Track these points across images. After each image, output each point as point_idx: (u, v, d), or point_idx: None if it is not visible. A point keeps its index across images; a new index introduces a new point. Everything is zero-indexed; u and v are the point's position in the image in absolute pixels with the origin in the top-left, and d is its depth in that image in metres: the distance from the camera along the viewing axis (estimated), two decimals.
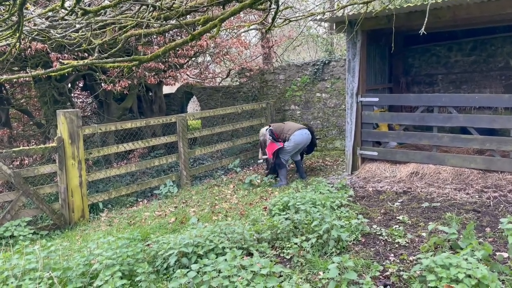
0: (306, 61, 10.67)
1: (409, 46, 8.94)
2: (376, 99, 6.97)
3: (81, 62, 3.34)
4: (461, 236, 4.05)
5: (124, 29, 3.77)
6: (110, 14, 3.80)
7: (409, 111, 7.89)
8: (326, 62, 9.97)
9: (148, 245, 4.68)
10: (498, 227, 4.33)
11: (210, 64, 11.84)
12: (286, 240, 4.49)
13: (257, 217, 5.31)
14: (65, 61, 3.52)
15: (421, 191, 5.88)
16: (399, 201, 5.59)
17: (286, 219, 4.73)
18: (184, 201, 6.94)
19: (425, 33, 4.27)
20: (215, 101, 11.99)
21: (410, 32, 8.01)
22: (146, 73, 8.07)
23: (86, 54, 7.08)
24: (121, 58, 3.24)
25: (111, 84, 7.48)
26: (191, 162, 9.68)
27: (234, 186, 7.66)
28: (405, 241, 4.32)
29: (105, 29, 4.08)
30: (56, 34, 3.73)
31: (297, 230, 4.59)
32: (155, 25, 3.71)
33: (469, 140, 6.16)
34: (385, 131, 7.55)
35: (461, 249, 3.88)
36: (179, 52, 8.11)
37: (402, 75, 8.86)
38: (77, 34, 3.94)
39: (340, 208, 5.33)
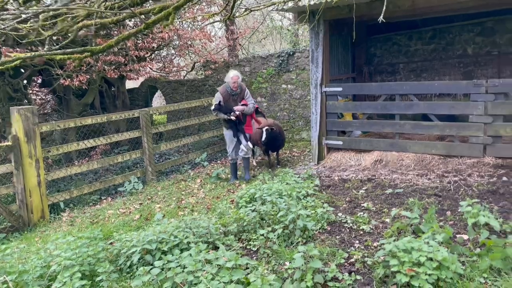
0: (271, 52, 10.64)
1: (371, 36, 9.06)
2: (340, 89, 7.02)
3: (28, 54, 3.15)
4: (423, 220, 4.13)
5: (76, 20, 3.59)
6: (59, 2, 3.62)
7: (372, 100, 7.99)
8: (291, 53, 9.96)
9: (111, 243, 4.52)
10: (458, 210, 4.45)
11: (174, 58, 11.60)
12: (253, 232, 4.45)
13: (223, 210, 5.25)
14: (12, 54, 3.32)
15: (385, 178, 5.97)
16: (363, 188, 5.66)
17: (253, 211, 4.70)
18: (149, 197, 6.78)
19: (384, 21, 4.30)
20: (180, 94, 11.79)
21: (371, 21, 8.09)
22: (106, 67, 7.80)
23: (40, 48, 6.76)
24: (71, 50, 3.08)
25: (69, 79, 7.18)
26: (157, 158, 9.50)
27: (201, 181, 7.56)
28: (370, 228, 4.37)
29: (56, 20, 3.89)
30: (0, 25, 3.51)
31: (264, 221, 4.57)
32: (108, 14, 3.56)
33: (430, 127, 6.31)
34: (349, 120, 7.64)
35: (423, 233, 3.96)
36: (140, 44, 7.88)
37: (365, 65, 8.98)
38: (25, 25, 3.73)
39: (306, 198, 5.34)
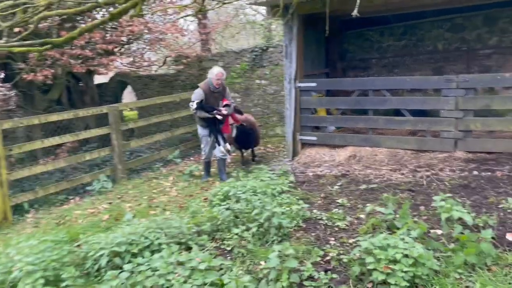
0: (245, 47, 10.51)
1: (344, 32, 9.06)
2: (314, 84, 6.97)
3: None
4: (397, 216, 4.12)
5: (35, 10, 3.36)
6: None
7: (345, 96, 7.98)
8: (265, 48, 9.86)
9: (78, 246, 4.31)
10: (432, 205, 4.46)
11: (145, 52, 11.30)
12: (227, 231, 4.34)
13: (197, 209, 5.11)
14: None
15: (359, 173, 5.97)
16: (338, 184, 5.64)
17: (227, 209, 4.58)
18: (119, 196, 6.56)
19: (358, 15, 4.26)
20: (152, 90, 11.51)
21: (345, 17, 8.07)
22: (72, 61, 7.48)
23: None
24: (30, 42, 2.87)
25: (32, 73, 6.84)
26: (128, 155, 9.23)
27: (173, 178, 7.38)
28: (345, 224, 4.34)
29: (15, 11, 3.64)
30: None
31: (238, 220, 4.46)
32: (71, 4, 3.35)
33: (403, 122, 6.35)
34: (323, 116, 7.61)
35: (398, 228, 3.95)
36: (108, 38, 7.59)
37: (338, 60, 8.98)
38: None
39: (281, 195, 5.26)
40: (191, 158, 9.05)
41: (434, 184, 5.17)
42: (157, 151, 9.18)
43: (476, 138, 5.95)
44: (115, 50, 9.56)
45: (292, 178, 5.91)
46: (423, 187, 5.15)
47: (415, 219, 4.27)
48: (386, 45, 8.75)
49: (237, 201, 4.92)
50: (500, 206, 4.28)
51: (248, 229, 4.21)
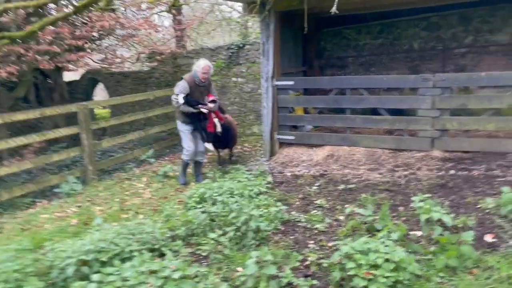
0: (221, 44, 10.30)
1: (322, 29, 8.99)
2: (291, 83, 6.86)
3: None
4: (377, 217, 4.05)
5: None
6: None
7: (323, 94, 7.91)
8: (241, 45, 9.69)
9: (44, 254, 4.06)
10: (410, 206, 4.42)
11: (118, 48, 10.94)
12: (203, 235, 4.18)
13: (171, 212, 4.93)
14: None
15: (337, 173, 5.90)
16: (316, 184, 5.55)
17: (203, 212, 4.42)
18: (89, 199, 6.27)
19: (337, 12, 4.16)
20: (125, 87, 11.17)
21: (322, 14, 8.00)
22: (38, 57, 7.11)
23: None
24: None
25: None
26: (99, 155, 8.91)
27: (147, 179, 7.13)
28: (324, 226, 4.24)
29: None
30: None
31: (214, 223, 4.30)
32: None
33: (380, 121, 6.31)
34: (301, 114, 7.52)
35: (378, 230, 3.89)
36: (77, 33, 7.26)
37: (316, 58, 8.90)
38: None
39: (258, 196, 5.14)
40: (166, 158, 8.80)
41: (412, 183, 5.14)
42: (130, 151, 8.88)
43: (453, 137, 5.96)
44: (86, 46, 9.22)
45: (269, 178, 5.78)
46: (401, 187, 5.11)
47: (395, 220, 4.22)
48: (363, 43, 8.72)
49: (214, 204, 4.77)
50: (478, 206, 4.27)
51: (225, 233, 4.07)
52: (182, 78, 5.98)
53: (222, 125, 6.65)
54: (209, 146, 6.27)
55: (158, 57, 9.80)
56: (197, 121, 6.05)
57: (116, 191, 6.60)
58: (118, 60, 11.52)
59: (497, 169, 5.21)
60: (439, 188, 4.91)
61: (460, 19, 7.70)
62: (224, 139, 6.88)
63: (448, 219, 3.70)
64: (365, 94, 6.36)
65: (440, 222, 3.78)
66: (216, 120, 6.34)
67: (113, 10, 9.70)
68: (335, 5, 3.91)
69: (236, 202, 4.50)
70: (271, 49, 6.78)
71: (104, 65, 11.15)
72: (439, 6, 7.28)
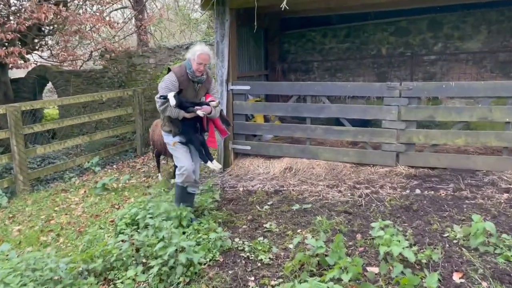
0: (179, 43, 9.60)
1: (285, 31, 8.42)
2: (248, 87, 6.23)
3: None
4: (329, 249, 3.45)
5: None
6: None
7: (286, 101, 7.34)
8: None
9: None
10: (370, 232, 3.86)
11: (70, 45, 10.07)
12: (124, 269, 3.48)
13: (95, 236, 4.21)
14: None
15: (293, 189, 5.30)
16: (268, 203, 4.92)
17: (125, 241, 3.71)
18: (12, 215, 5.47)
19: (287, 7, 3.55)
20: (75, 87, 10.29)
21: (286, 15, 7.44)
22: None
23: None
24: None
25: None
26: (39, 161, 8.04)
27: (85, 192, 6.37)
28: (269, 258, 3.62)
29: None
30: None
31: (140, 254, 3.61)
32: None
33: (342, 132, 5.77)
34: (258, 123, 6.91)
35: (329, 266, 3.30)
36: (7, 26, 6.41)
37: (278, 62, 8.32)
38: None
39: (201, 217, 4.47)
40: (114, 166, 8.03)
41: (374, 205, 4.58)
42: (75, 157, 8.04)
43: (419, 152, 5.47)
44: (35, 41, 8.35)
45: (217, 195, 5.10)
46: (361, 208, 4.55)
47: (351, 250, 3.64)
48: (328, 47, 8.21)
49: (146, 227, 4.09)
50: (445, 235, 3.74)
51: (149, 268, 3.39)
52: (169, 70, 4.19)
53: None
54: (216, 165, 4.35)
55: (107, 55, 8.99)
56: (192, 131, 4.26)
57: (45, 205, 5.82)
58: (69, 57, 10.64)
59: (466, 189, 4.73)
60: (402, 211, 4.37)
61: (430, 24, 7.29)
62: None
63: (410, 255, 3.14)
64: (326, 102, 5.80)
65: (401, 256, 3.23)
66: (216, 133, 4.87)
67: (65, 4, 8.87)
68: (284, 2, 3.30)
69: (170, 226, 3.81)
70: (226, 49, 6.14)
71: (54, 63, 10.26)
72: (408, 10, 6.84)
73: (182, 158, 4.33)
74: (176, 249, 3.42)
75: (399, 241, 3.40)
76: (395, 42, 7.66)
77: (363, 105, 6.06)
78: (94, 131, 9.41)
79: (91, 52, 10.14)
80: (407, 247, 3.26)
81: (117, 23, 9.93)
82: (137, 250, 3.64)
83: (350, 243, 3.78)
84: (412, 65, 7.47)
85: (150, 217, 4.20)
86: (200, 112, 4.06)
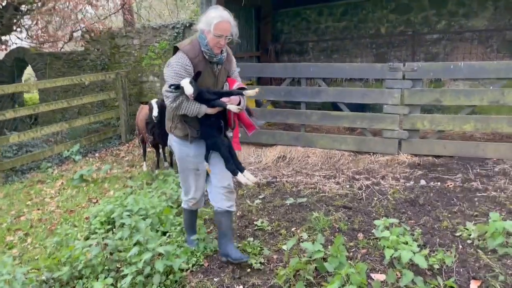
0: (165, 23, 9.00)
1: (278, 9, 7.87)
2: (238, 69, 5.71)
3: None
4: (328, 252, 3.04)
5: None
6: None
7: (279, 84, 6.85)
8: (187, 24, 8.42)
9: None
10: (372, 231, 3.45)
11: (44, 25, 9.45)
12: (94, 278, 3.05)
13: (67, 236, 3.76)
14: None
15: (287, 181, 4.86)
16: (260, 197, 4.49)
17: (98, 243, 3.27)
18: None
19: None
20: (56, 70, 9.68)
21: None
22: None
23: None
24: None
25: None
26: (15, 150, 7.52)
27: (62, 183, 5.90)
28: (260, 262, 3.19)
29: None
30: None
31: (113, 260, 3.17)
32: None
33: (339, 118, 5.33)
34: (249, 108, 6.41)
35: (328, 272, 2.88)
36: None
37: (271, 42, 7.80)
38: None
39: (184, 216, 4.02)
40: (96, 155, 7.53)
41: (375, 198, 4.16)
42: (55, 145, 7.51)
43: (423, 139, 5.04)
44: (10, 21, 7.75)
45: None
46: (362, 202, 4.13)
47: (352, 253, 3.23)
48: (324, 26, 7.69)
49: (122, 226, 3.65)
50: (457, 234, 3.34)
51: (123, 277, 2.95)
52: (175, 49, 2.93)
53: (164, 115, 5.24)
54: (249, 178, 3.04)
55: (86, 35, 8.40)
56: (216, 132, 2.98)
57: (18, 199, 5.36)
58: (50, 39, 10.03)
59: (476, 180, 4.32)
60: (407, 205, 3.96)
61: (433, 0, 6.77)
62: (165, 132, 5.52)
63: (421, 261, 2.73)
64: (322, 85, 5.33)
65: (410, 261, 2.82)
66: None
67: None
68: None
69: (147, 227, 3.36)
70: None
71: (33, 44, 9.66)
72: None
73: (190, 182, 3.10)
74: (153, 255, 2.98)
75: (407, 243, 3.00)
76: (395, 20, 7.15)
77: (363, 89, 5.62)
78: (77, 117, 8.89)
79: (72, 32, 9.52)
80: (417, 252, 2.85)
81: (97, 1, 9.29)
82: (111, 254, 3.20)
83: (351, 243, 3.37)
84: (414, 45, 6.99)
85: (128, 215, 3.76)
86: (233, 107, 2.79)
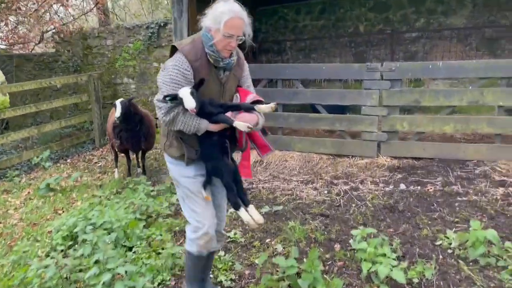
0: (139, 23, 8.71)
1: (255, 8, 7.66)
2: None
3: None
4: (304, 264, 2.86)
5: None
6: None
7: (255, 85, 6.64)
8: (162, 24, 8.16)
9: None
10: (350, 241, 3.28)
11: (15, 25, 9.07)
12: None
13: (26, 253, 3.50)
14: None
15: (263, 187, 4.67)
16: None
17: (58, 264, 3.02)
18: None
19: None
20: (27, 73, 9.30)
21: None
22: None
23: None
24: None
25: None
26: None
27: (29, 192, 5.59)
28: (231, 279, 3.00)
29: None
30: None
31: (71, 282, 2.93)
32: None
33: (318, 120, 5.16)
34: None
35: None
36: None
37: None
38: None
39: (151, 228, 3.79)
40: (68, 161, 7.21)
41: (354, 205, 4.00)
42: (24, 152, 7.17)
43: (403, 141, 4.91)
44: None
45: (175, 197, 4.43)
46: (340, 209, 3.96)
47: (328, 266, 3.06)
48: (302, 25, 7.52)
49: (84, 242, 3.41)
50: (437, 242, 3.20)
51: None
52: (173, 49, 2.34)
53: (130, 105, 4.84)
54: (255, 217, 2.35)
55: (56, 36, 8.07)
56: (219, 154, 2.37)
57: None
58: (20, 40, 9.66)
59: (456, 183, 4.20)
60: (386, 212, 3.81)
61: None
62: (136, 137, 5.18)
63: (399, 276, 2.57)
64: (299, 87, 5.15)
65: (388, 277, 2.66)
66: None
67: None
68: None
69: (107, 245, 3.13)
70: (185, 28, 5.40)
71: (3, 46, 9.27)
72: None
73: (199, 210, 2.43)
74: (114, 275, 2.76)
75: (385, 255, 2.84)
76: (374, 18, 7.03)
77: (341, 90, 5.45)
78: (49, 121, 8.54)
79: (42, 33, 9.16)
80: (395, 266, 2.70)
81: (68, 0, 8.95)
82: (66, 278, 2.96)
83: (328, 255, 3.19)
84: (393, 43, 6.88)
85: (92, 228, 3.52)
86: (241, 125, 2.18)
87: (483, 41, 6.42)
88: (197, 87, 2.17)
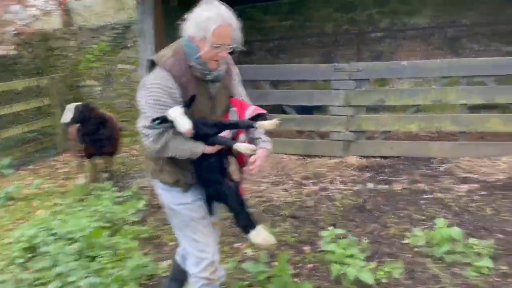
0: (103, 23, 8.48)
1: None
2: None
3: None
4: (274, 268, 2.83)
5: None
6: None
7: None
8: (128, 25, 7.98)
9: None
10: (319, 242, 3.28)
11: None
12: None
13: None
14: None
15: None
16: None
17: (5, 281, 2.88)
18: None
19: None
20: None
21: None
22: None
23: None
24: None
25: None
26: None
27: None
28: None
29: None
30: None
31: None
32: None
33: (288, 121, 5.15)
34: None
35: None
36: None
37: None
38: None
39: (117, 235, 3.67)
40: (31, 167, 6.92)
41: (324, 205, 4.01)
42: None
43: (370, 140, 4.97)
44: None
45: (142, 203, 4.31)
46: (310, 210, 3.96)
47: (298, 269, 3.04)
48: (270, 25, 7.51)
49: (45, 255, 3.26)
50: (404, 241, 3.23)
51: None
52: (151, 63, 1.99)
53: (84, 109, 4.70)
54: (266, 238, 2.07)
55: (15, 38, 7.75)
56: (218, 176, 2.07)
57: None
58: None
59: (422, 181, 4.28)
60: (355, 211, 3.83)
61: None
62: (98, 141, 4.98)
63: (367, 277, 2.59)
64: (268, 88, 5.13)
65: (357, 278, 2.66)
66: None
67: None
68: None
69: (69, 257, 3.00)
70: (149, 29, 5.26)
71: None
72: None
73: (202, 238, 2.16)
74: None
75: (353, 256, 2.85)
76: (340, 18, 7.11)
77: (309, 90, 5.46)
78: (11, 126, 8.18)
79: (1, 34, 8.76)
80: (363, 266, 2.70)
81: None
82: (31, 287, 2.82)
83: (297, 258, 3.18)
84: (359, 43, 6.96)
85: (54, 239, 3.38)
86: (243, 147, 1.93)
87: (446, 40, 6.60)
88: (189, 105, 1.88)
